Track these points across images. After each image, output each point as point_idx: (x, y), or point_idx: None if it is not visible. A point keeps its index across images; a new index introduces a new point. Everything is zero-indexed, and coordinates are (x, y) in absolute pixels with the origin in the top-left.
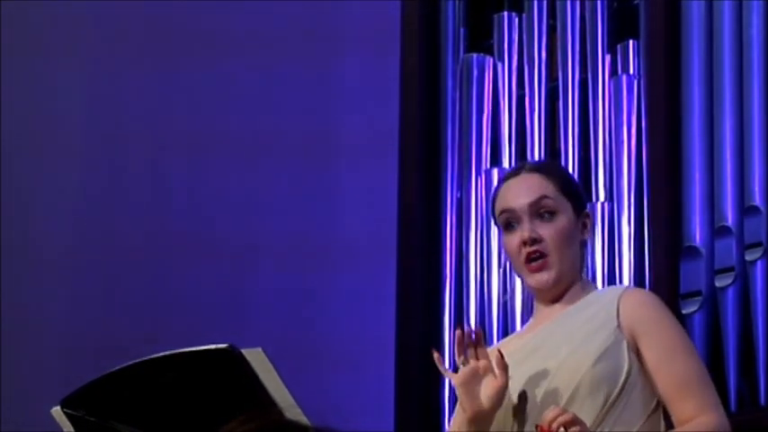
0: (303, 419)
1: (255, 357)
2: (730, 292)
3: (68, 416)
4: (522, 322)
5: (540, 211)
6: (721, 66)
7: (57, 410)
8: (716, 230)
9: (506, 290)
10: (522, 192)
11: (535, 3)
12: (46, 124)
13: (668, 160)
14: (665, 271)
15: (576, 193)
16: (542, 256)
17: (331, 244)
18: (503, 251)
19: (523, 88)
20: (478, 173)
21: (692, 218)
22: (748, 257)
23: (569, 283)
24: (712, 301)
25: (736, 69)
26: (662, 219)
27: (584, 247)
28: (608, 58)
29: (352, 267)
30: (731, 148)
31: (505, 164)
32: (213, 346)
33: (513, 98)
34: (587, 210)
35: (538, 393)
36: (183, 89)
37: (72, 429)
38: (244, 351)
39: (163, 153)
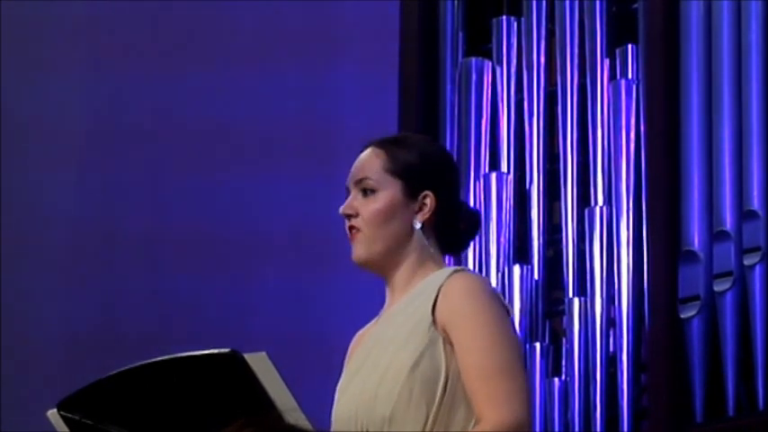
0: (305, 423)
1: (258, 362)
2: (729, 297)
3: (65, 419)
4: (521, 323)
5: (364, 187)
6: (720, 70)
7: (53, 413)
8: (714, 235)
9: None
10: (356, 167)
11: (534, 7)
12: (46, 121)
13: (667, 165)
14: (663, 275)
15: (414, 173)
16: (358, 230)
17: (334, 241)
18: (502, 254)
19: (522, 92)
20: (477, 177)
21: (691, 222)
22: (747, 262)
23: (393, 266)
24: (711, 305)
25: (735, 73)
26: (660, 223)
27: (425, 231)
28: (607, 62)
29: (353, 269)
30: (730, 152)
31: (504, 168)
32: (216, 351)
33: (511, 102)
34: (429, 192)
35: (369, 404)
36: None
37: None
38: (246, 356)
39: (162, 151)
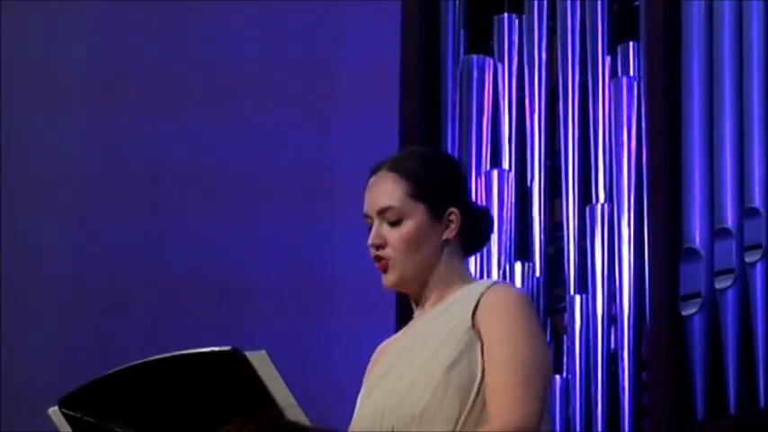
0: (304, 420)
1: (259, 360)
2: (730, 294)
3: (66, 416)
4: None
5: (389, 217)
6: (721, 67)
7: (54, 410)
8: (716, 232)
9: None
10: (374, 197)
11: (535, 4)
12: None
13: (668, 162)
14: (664, 273)
15: (436, 193)
16: (387, 258)
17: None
18: (503, 251)
19: (523, 90)
20: (478, 174)
21: (692, 220)
22: (748, 259)
23: (423, 283)
24: (712, 303)
25: (736, 71)
26: (662, 220)
27: (451, 245)
28: (608, 59)
29: (354, 270)
30: (731, 149)
31: (505, 165)
32: (217, 349)
33: (513, 100)
34: (454, 209)
35: (400, 402)
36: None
37: (69, 430)
38: (247, 353)
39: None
